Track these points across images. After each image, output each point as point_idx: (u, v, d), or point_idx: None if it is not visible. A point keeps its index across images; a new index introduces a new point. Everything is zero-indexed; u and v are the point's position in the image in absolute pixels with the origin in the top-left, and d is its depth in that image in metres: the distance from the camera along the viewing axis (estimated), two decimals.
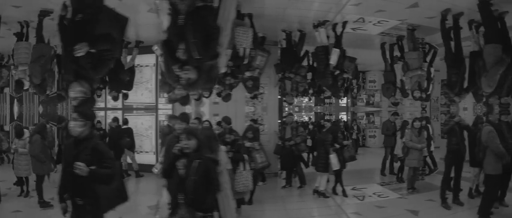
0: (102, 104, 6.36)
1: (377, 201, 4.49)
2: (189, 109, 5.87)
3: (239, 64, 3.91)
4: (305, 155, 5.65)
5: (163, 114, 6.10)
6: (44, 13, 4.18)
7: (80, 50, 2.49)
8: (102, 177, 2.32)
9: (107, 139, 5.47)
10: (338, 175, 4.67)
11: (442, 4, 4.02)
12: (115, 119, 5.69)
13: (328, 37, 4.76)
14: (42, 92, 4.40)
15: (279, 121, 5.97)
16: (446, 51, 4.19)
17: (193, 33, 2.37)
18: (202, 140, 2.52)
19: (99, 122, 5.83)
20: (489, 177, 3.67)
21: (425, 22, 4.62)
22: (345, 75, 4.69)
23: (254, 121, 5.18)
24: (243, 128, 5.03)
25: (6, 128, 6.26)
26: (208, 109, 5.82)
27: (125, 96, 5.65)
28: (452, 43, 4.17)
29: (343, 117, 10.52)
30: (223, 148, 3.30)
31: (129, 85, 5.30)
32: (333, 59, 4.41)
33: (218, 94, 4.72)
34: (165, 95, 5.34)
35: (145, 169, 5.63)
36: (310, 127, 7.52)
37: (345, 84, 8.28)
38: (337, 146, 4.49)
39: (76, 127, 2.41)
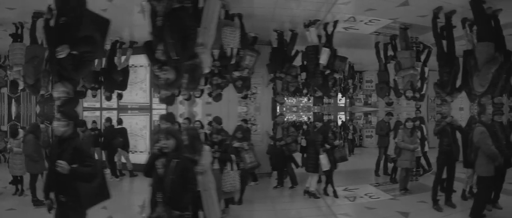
0: (97, 105, 6.46)
1: (368, 202, 4.44)
2: (182, 109, 5.92)
3: (226, 64, 3.93)
4: (299, 155, 5.62)
5: (157, 113, 6.15)
6: (37, 15, 4.27)
7: (62, 52, 2.57)
8: (83, 175, 2.41)
9: (102, 138, 5.55)
10: (329, 175, 4.63)
11: (433, 2, 3.96)
12: (108, 119, 5.77)
13: (320, 36, 4.73)
14: (36, 92, 4.49)
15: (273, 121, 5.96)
16: (438, 50, 4.12)
17: (170, 34, 2.41)
18: (181, 140, 2.55)
19: (94, 121, 5.92)
20: (481, 179, 3.60)
21: (417, 21, 4.55)
22: (336, 75, 4.65)
23: (245, 121, 5.18)
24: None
25: (4, 128, 6.41)
26: (201, 109, 5.84)
27: (120, 96, 5.72)
28: (445, 42, 4.11)
29: (342, 117, 10.46)
30: (207, 148, 3.30)
31: (123, 86, 5.37)
32: (323, 58, 4.38)
33: (209, 94, 4.74)
34: (158, 95, 5.40)
35: (140, 168, 5.67)
36: (305, 127, 7.48)
37: (342, 84, 8.27)
38: (328, 146, 4.46)
39: (59, 126, 2.52)
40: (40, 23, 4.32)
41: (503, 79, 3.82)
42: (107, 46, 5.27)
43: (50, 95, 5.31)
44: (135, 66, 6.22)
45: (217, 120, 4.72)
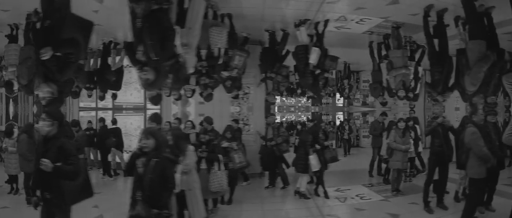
0: (93, 105, 6.54)
1: (358, 204, 4.39)
2: (175, 109, 5.95)
3: (214, 64, 3.93)
4: (292, 155, 5.59)
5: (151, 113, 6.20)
6: (31, 17, 4.34)
7: (45, 54, 2.64)
8: (66, 173, 2.51)
9: (96, 138, 5.62)
10: (319, 176, 4.60)
11: (424, 1, 3.89)
12: (101, 119, 5.84)
13: (312, 36, 4.70)
14: (29, 92, 4.56)
15: None
16: (429, 49, 4.05)
17: (149, 35, 2.45)
18: (161, 139, 2.58)
19: (90, 121, 6.00)
20: (473, 181, 3.50)
21: (409, 20, 4.48)
22: (326, 75, 4.60)
23: (236, 121, 5.18)
24: None
25: (2, 128, 6.55)
26: (194, 108, 5.86)
27: (114, 96, 5.79)
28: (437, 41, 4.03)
29: (340, 117, 10.38)
30: (191, 147, 3.31)
31: (117, 86, 5.43)
32: (313, 58, 4.35)
33: (201, 94, 4.76)
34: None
35: None
36: (299, 127, 7.44)
37: (339, 85, 8.22)
38: (318, 146, 4.43)
39: (44, 126, 2.61)
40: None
41: (496, 78, 3.74)
42: (100, 47, 5.34)
43: None
44: (130, 67, 6.27)
45: (208, 120, 4.73)
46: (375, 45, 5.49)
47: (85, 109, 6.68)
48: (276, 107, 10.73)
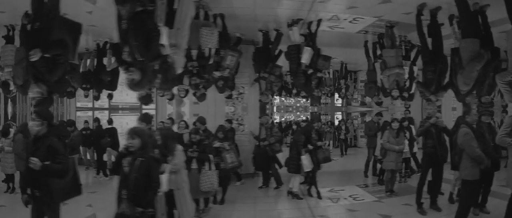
0: (90, 105, 6.60)
1: (350, 204, 4.36)
2: (170, 109, 5.98)
3: (204, 64, 3.93)
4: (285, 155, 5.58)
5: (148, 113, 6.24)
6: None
7: (34, 56, 2.69)
8: (54, 171, 2.60)
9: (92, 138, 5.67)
10: (312, 176, 4.58)
11: None
12: (96, 119, 5.90)
13: (305, 35, 4.68)
14: (25, 93, 4.58)
15: None
16: (422, 48, 4.00)
17: (134, 37, 2.47)
18: (146, 139, 2.60)
19: (86, 121, 6.06)
20: (466, 183, 3.43)
21: (403, 19, 4.43)
22: (320, 75, 4.58)
23: (229, 121, 5.18)
24: None
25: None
26: (188, 109, 5.88)
27: (110, 96, 5.84)
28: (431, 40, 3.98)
29: (339, 117, 10.34)
30: (180, 147, 3.32)
31: (112, 86, 5.47)
32: (305, 58, 4.33)
33: (194, 94, 4.77)
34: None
35: None
36: (294, 127, 7.42)
37: (336, 84, 8.16)
38: (311, 146, 4.40)
39: (34, 126, 2.67)
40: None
41: (491, 78, 3.67)
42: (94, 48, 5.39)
43: None
44: None
45: (201, 120, 4.75)
46: (370, 44, 5.44)
47: (82, 109, 6.75)
48: (274, 108, 10.76)
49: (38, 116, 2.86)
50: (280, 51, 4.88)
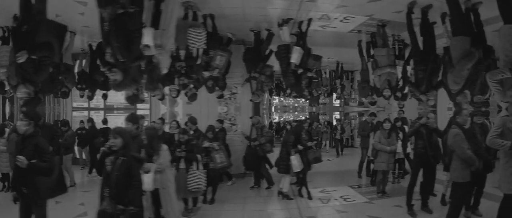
0: (85, 105, 6.69)
1: (340, 205, 4.32)
2: (164, 109, 6.02)
3: (192, 64, 3.95)
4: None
5: (142, 113, 6.28)
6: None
7: (21, 57, 2.76)
8: (40, 170, 2.69)
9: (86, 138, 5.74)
10: (302, 177, 4.55)
11: None
12: (90, 120, 5.97)
13: (296, 35, 4.65)
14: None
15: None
16: (413, 47, 3.93)
17: (115, 38, 2.52)
18: (128, 139, 2.64)
19: (82, 121, 6.14)
20: (456, 185, 3.35)
21: (395, 18, 4.37)
22: (310, 74, 4.54)
23: (220, 121, 5.19)
24: None
25: None
26: (182, 109, 5.91)
27: (105, 96, 5.90)
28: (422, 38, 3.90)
29: (338, 117, 10.27)
30: (165, 147, 3.34)
31: (106, 86, 5.52)
32: (294, 57, 4.30)
33: (186, 94, 4.79)
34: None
35: None
36: (288, 127, 7.38)
37: (335, 85, 8.08)
38: (300, 147, 4.38)
39: (21, 126, 2.76)
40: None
41: (483, 77, 3.58)
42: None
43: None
44: None
45: (192, 120, 4.76)
46: (364, 44, 5.38)
47: (78, 109, 6.84)
48: (272, 108, 10.75)
49: (25, 116, 2.95)
50: (271, 51, 4.86)
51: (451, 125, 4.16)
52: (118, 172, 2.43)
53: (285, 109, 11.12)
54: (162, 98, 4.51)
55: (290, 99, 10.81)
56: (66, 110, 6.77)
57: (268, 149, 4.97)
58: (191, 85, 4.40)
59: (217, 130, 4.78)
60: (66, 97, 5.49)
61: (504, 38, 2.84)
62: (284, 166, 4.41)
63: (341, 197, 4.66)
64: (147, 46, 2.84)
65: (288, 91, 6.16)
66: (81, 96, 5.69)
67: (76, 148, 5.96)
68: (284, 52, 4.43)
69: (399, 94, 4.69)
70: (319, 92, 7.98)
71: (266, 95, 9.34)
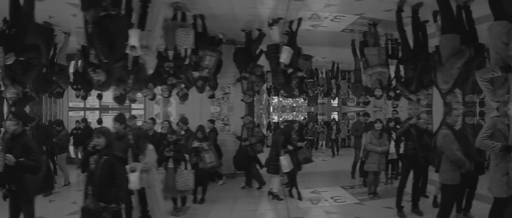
0: (81, 105, 6.77)
1: (330, 206, 4.28)
2: (157, 109, 6.06)
3: (180, 64, 3.96)
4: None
5: (136, 113, 6.34)
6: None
7: (8, 59, 2.83)
8: (28, 168, 2.79)
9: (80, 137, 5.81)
10: (292, 177, 4.52)
11: None
12: (83, 120, 6.04)
13: (287, 34, 4.63)
14: None
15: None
16: (402, 45, 3.87)
17: (98, 40, 2.56)
18: (111, 138, 2.69)
19: (78, 121, 6.22)
20: (446, 187, 3.27)
21: (385, 16, 4.31)
22: (299, 74, 4.51)
23: (212, 121, 5.19)
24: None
25: None
26: (175, 109, 5.94)
27: (99, 96, 5.97)
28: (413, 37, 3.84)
29: (336, 116, 10.20)
30: (150, 146, 3.36)
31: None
32: (283, 57, 4.27)
33: (177, 94, 4.81)
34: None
35: None
36: (282, 127, 7.34)
37: (330, 85, 8.01)
38: (290, 147, 4.36)
39: (10, 125, 2.84)
40: None
41: (474, 76, 3.50)
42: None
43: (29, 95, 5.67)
44: None
45: (183, 120, 4.79)
46: (357, 43, 5.33)
47: (74, 109, 6.93)
48: (271, 107, 10.74)
49: (14, 116, 3.01)
50: (261, 51, 4.85)
51: (441, 125, 4.10)
52: (101, 171, 2.49)
53: (284, 109, 11.09)
54: (153, 98, 4.54)
55: (289, 99, 10.78)
56: (62, 110, 6.87)
57: (258, 149, 4.96)
58: (182, 85, 4.42)
59: (208, 130, 4.79)
60: (60, 98, 5.57)
61: (495, 35, 2.76)
62: (273, 166, 4.40)
63: (331, 198, 4.62)
64: (133, 47, 2.88)
65: (282, 91, 6.10)
66: (77, 96, 5.76)
67: (71, 147, 6.03)
68: (273, 51, 4.41)
69: (392, 94, 4.62)
70: (316, 92, 7.93)
71: (265, 95, 9.34)
